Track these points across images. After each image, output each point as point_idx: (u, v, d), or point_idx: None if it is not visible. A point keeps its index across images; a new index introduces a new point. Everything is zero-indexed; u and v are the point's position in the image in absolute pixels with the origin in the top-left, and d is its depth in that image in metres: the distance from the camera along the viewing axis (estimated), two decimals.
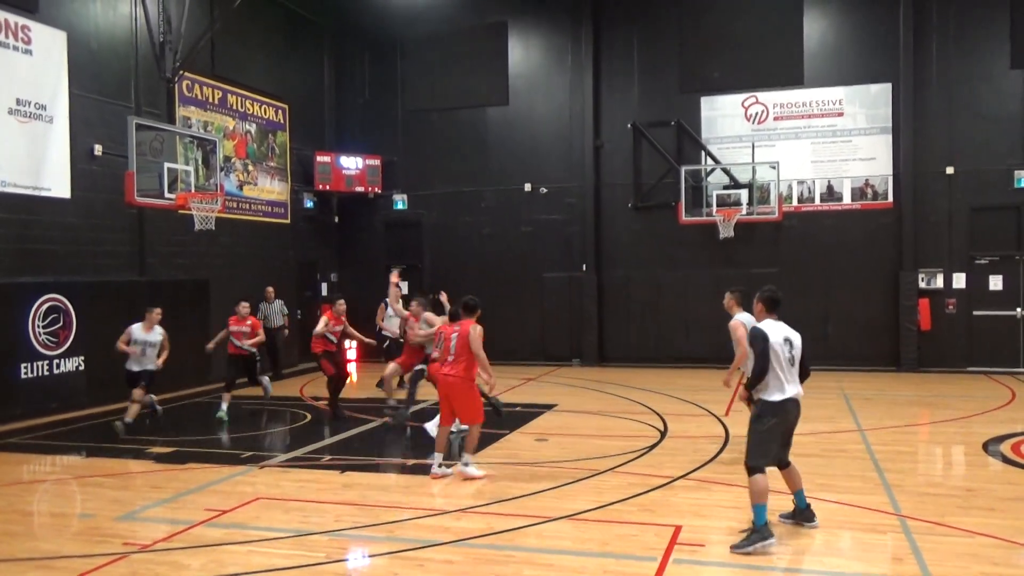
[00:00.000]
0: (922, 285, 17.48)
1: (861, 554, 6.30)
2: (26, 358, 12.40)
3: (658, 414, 12.48)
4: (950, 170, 17.33)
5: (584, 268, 19.40)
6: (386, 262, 21.02)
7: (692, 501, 7.68)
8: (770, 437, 6.56)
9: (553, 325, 19.57)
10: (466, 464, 8.55)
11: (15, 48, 12.77)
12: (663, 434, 10.96)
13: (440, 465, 8.58)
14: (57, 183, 13.45)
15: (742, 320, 9.14)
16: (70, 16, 13.81)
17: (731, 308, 9.56)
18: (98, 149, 14.10)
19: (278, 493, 8.19)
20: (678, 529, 6.80)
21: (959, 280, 17.38)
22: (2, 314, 12.07)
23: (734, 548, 6.28)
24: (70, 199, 13.64)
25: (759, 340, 6.57)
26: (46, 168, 13.24)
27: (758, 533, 6.30)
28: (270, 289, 16.23)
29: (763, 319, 6.83)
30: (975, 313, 17.38)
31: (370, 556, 6.45)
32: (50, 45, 13.36)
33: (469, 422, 8.73)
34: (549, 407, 13.29)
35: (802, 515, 6.85)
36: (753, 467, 6.48)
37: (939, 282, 17.44)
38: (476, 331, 8.66)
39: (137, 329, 11.33)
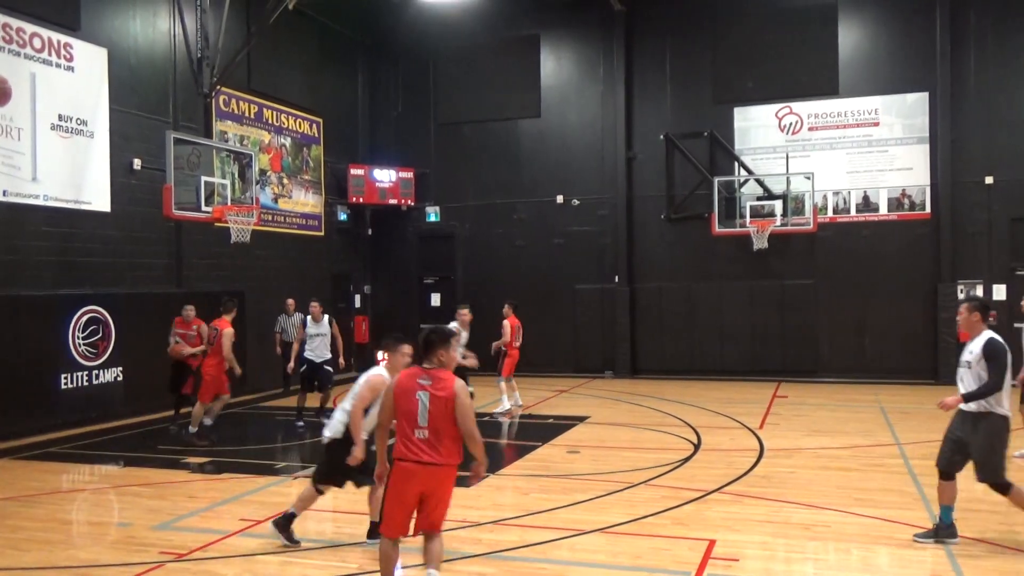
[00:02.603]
0: (961, 297, 17.18)
1: (900, 571, 6.20)
2: (66, 368, 12.60)
3: (691, 426, 12.39)
4: (989, 180, 17.04)
5: (616, 280, 19.32)
6: (419, 274, 21.20)
7: (726, 515, 7.60)
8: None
9: (586, 337, 19.52)
10: None
11: (57, 65, 13.05)
12: (696, 447, 10.87)
13: None
14: (97, 197, 13.70)
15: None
16: (111, 33, 14.09)
17: None
18: (137, 163, 14.35)
19: (311, 504, 8.24)
20: (712, 543, 6.73)
21: (999, 292, 17.05)
22: (43, 325, 12.29)
23: None
24: (110, 212, 13.88)
25: (1003, 355, 6.52)
26: (87, 182, 13.50)
27: None
28: (290, 301, 16.01)
29: (982, 330, 6.67)
30: (1016, 325, 17.01)
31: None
32: (91, 62, 13.64)
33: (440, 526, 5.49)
34: (582, 419, 13.25)
35: (947, 531, 6.74)
36: (1006, 483, 6.53)
37: (979, 294, 17.13)
38: (462, 389, 5.23)
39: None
